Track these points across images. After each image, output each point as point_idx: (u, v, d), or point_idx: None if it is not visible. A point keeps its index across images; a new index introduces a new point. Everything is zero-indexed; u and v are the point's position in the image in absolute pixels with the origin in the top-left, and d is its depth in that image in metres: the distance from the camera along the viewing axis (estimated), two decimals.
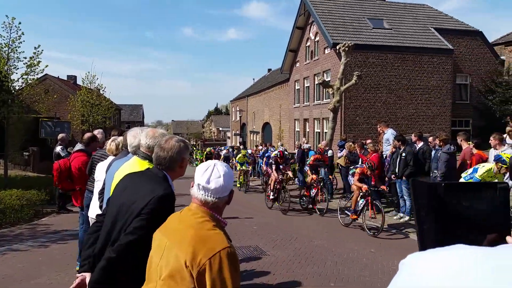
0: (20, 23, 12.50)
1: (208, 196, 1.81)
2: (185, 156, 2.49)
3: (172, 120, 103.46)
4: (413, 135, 10.71)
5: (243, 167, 17.35)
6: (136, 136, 3.60)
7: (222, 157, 22.30)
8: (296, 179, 15.94)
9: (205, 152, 23.36)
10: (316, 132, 25.99)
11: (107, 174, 3.50)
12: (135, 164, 2.87)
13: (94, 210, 4.32)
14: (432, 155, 9.62)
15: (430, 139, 10.56)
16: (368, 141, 12.82)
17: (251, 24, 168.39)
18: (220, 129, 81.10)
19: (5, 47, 12.43)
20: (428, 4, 27.73)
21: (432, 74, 22.69)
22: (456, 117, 23.68)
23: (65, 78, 40.12)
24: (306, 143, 22.35)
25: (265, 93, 38.65)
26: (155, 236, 1.93)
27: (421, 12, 26.30)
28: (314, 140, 25.65)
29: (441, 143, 9.11)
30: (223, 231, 1.80)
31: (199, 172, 1.84)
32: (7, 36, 12.40)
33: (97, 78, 26.06)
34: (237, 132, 44.28)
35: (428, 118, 22.78)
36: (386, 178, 10.49)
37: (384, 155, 11.29)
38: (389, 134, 11.54)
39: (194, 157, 35.33)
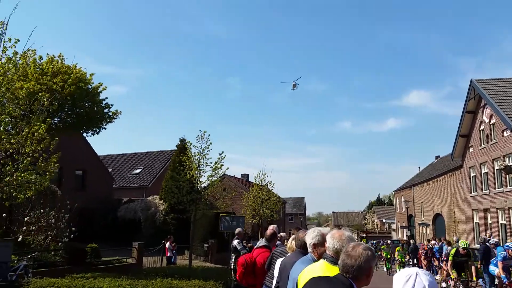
0: (209, 135, 14.87)
1: None
2: (373, 265, 2.44)
3: (333, 212, 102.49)
4: None
5: None
6: (311, 235, 3.72)
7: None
8: (481, 279, 13.61)
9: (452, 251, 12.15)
10: (501, 224, 22.26)
11: (290, 275, 3.61)
12: (324, 269, 2.88)
13: None
14: None
15: None
16: None
17: (411, 112, 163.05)
18: (384, 220, 76.51)
19: (197, 155, 14.78)
20: None
21: None
22: None
23: (239, 176, 44.65)
24: (491, 237, 19.23)
25: (434, 181, 35.66)
26: None
27: None
28: (500, 233, 21.92)
29: None
30: None
31: (400, 282, 1.75)
32: (200, 146, 14.81)
33: (267, 176, 28.35)
34: (404, 224, 41.00)
35: None
36: None
37: None
38: None
39: (385, 255, 24.17)
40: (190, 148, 15.42)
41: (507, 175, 19.49)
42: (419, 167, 48.90)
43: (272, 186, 29.20)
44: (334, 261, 2.83)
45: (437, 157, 45.71)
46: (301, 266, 3.40)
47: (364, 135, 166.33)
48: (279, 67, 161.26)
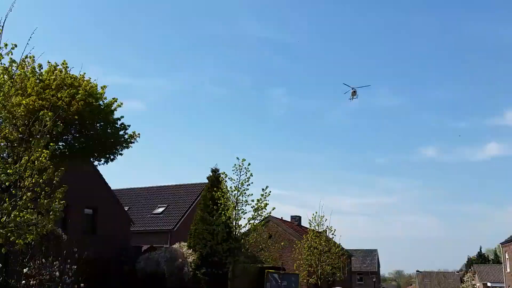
0: (249, 164, 14.86)
1: None
2: None
3: (417, 271, 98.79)
4: None
5: None
6: None
7: None
8: None
9: None
10: None
11: None
12: None
13: None
14: None
15: None
16: None
17: None
18: (489, 284, 72.28)
19: (235, 190, 14.79)
20: None
21: None
22: None
23: (289, 219, 44.11)
24: None
25: None
26: None
27: None
28: None
29: None
30: None
31: None
32: (237, 179, 14.81)
33: (325, 219, 27.62)
34: None
35: None
36: None
37: None
38: None
39: None
40: (225, 181, 15.48)
41: None
42: None
43: (333, 234, 28.56)
44: None
45: None
46: None
47: (455, 165, 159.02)
48: (338, 76, 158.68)
